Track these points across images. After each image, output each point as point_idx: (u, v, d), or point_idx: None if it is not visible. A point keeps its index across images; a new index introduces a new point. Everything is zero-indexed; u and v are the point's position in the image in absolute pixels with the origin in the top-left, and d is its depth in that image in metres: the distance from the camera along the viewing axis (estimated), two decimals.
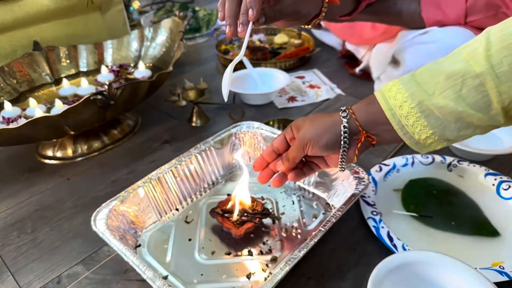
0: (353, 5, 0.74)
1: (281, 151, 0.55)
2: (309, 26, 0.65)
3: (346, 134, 0.48)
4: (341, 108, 0.49)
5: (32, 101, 0.86)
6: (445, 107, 0.42)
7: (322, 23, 1.08)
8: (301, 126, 0.52)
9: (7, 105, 0.84)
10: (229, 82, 0.51)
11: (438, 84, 0.42)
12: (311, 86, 1.08)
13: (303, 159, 0.56)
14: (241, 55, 0.52)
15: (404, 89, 0.44)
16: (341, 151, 0.50)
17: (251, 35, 1.36)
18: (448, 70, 0.42)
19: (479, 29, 0.78)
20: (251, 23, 0.51)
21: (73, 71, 1.02)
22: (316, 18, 0.63)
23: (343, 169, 0.52)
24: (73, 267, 0.58)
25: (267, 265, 0.55)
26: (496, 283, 0.43)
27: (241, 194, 0.61)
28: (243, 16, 0.50)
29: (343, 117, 0.49)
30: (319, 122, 0.51)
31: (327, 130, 0.49)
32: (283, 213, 0.64)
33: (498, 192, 0.65)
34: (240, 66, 1.10)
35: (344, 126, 0.48)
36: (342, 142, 0.49)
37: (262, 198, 0.67)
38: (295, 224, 0.62)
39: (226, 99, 0.52)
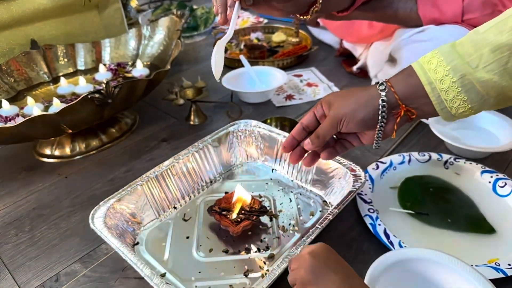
0: (350, 1, 0.74)
1: (311, 129, 0.52)
2: (308, 17, 0.64)
3: (384, 109, 0.45)
4: (377, 81, 0.47)
5: (29, 100, 0.86)
6: (488, 82, 0.40)
7: (320, 21, 1.08)
8: (333, 101, 0.49)
9: (5, 103, 0.84)
10: (216, 60, 0.51)
11: (483, 57, 0.40)
12: (309, 85, 1.08)
13: (335, 136, 0.54)
14: (228, 35, 0.53)
15: (446, 61, 0.42)
16: (378, 126, 0.47)
17: (250, 33, 1.36)
18: (494, 41, 0.40)
19: (476, 27, 0.78)
20: (237, 3, 0.51)
21: (71, 70, 1.02)
22: (313, 5, 0.62)
23: (378, 146, 0.50)
24: (71, 265, 0.59)
25: (264, 263, 0.55)
26: (492, 280, 0.44)
27: (241, 193, 0.62)
28: None
29: (381, 90, 0.45)
30: (354, 96, 0.47)
31: (363, 104, 0.46)
32: (280, 211, 0.64)
33: (494, 190, 0.65)
34: (237, 64, 1.11)
35: (383, 100, 0.45)
36: (379, 117, 0.46)
37: (260, 196, 0.67)
38: (292, 222, 0.62)
39: (217, 79, 0.52)
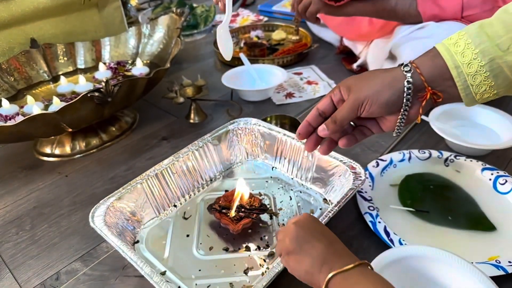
0: None
1: (327, 114, 0.49)
2: None
3: (410, 91, 0.43)
4: (402, 62, 0.44)
5: (29, 99, 0.86)
6: None
7: (320, 17, 1.08)
8: (353, 84, 0.46)
9: (5, 102, 0.84)
10: (222, 41, 0.52)
11: None
12: (309, 82, 1.08)
13: (353, 123, 0.51)
14: (226, 18, 0.53)
15: (474, 44, 0.40)
16: (402, 110, 0.45)
17: (249, 31, 1.36)
18: None
19: None
20: None
21: (70, 69, 1.02)
22: None
23: (399, 133, 0.48)
24: (71, 263, 0.59)
25: (264, 260, 0.55)
26: (492, 277, 0.43)
27: (240, 189, 0.62)
28: None
29: (406, 71, 0.43)
30: (377, 78, 0.45)
31: (388, 86, 0.44)
32: (280, 209, 0.64)
33: (494, 187, 0.65)
34: (237, 62, 1.10)
35: (408, 82, 0.43)
36: (404, 100, 0.43)
37: (260, 194, 0.67)
38: None
39: (226, 58, 0.56)
